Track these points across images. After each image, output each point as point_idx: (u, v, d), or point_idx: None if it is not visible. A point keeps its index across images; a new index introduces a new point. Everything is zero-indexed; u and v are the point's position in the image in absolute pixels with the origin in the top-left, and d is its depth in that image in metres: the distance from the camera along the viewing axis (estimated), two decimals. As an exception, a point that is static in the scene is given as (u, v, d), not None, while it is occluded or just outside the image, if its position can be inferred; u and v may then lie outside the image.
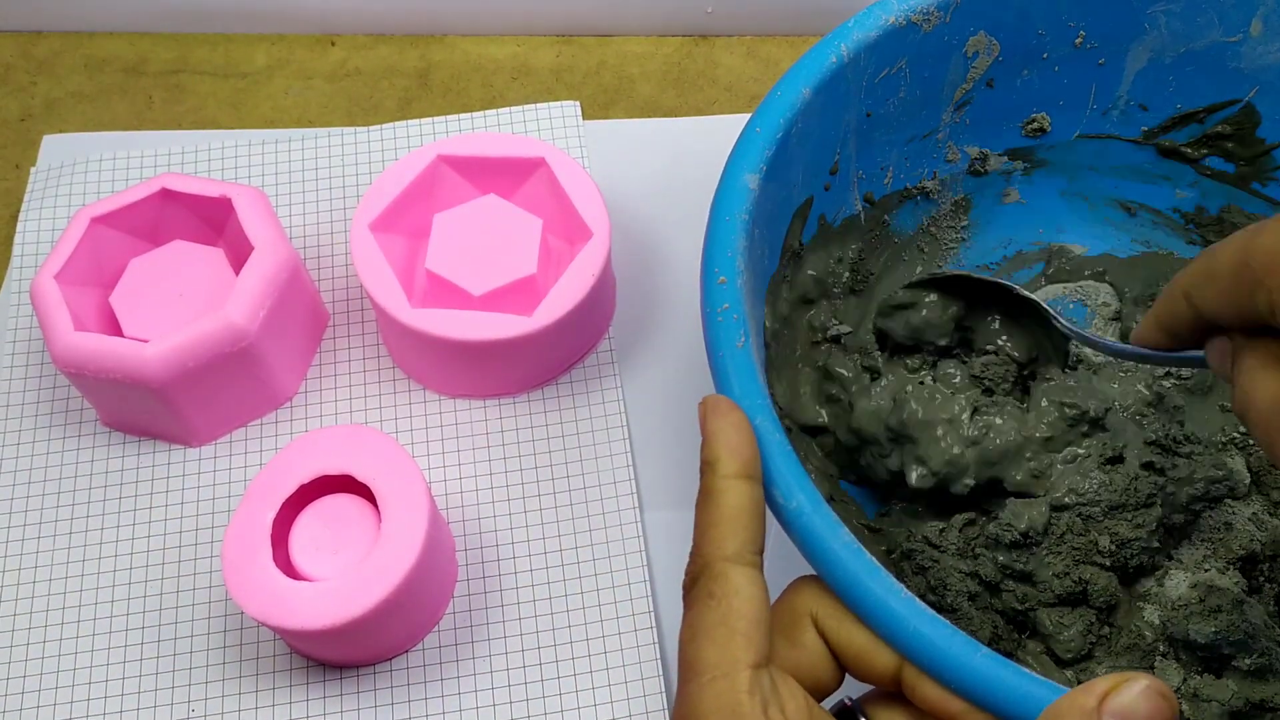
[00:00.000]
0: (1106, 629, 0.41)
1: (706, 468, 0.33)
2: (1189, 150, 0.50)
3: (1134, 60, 0.47)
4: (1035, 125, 0.49)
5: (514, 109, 0.58)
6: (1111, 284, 0.51)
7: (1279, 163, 0.48)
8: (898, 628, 0.31)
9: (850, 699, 0.34)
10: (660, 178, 0.56)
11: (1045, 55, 0.47)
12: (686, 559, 0.33)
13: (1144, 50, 0.47)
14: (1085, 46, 0.47)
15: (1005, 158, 0.50)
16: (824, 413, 0.45)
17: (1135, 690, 0.27)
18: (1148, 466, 0.42)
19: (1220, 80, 0.47)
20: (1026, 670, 0.30)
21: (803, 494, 0.33)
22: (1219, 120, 0.49)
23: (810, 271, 0.46)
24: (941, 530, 0.42)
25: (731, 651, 0.30)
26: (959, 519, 0.42)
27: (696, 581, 0.32)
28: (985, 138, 0.49)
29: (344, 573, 0.41)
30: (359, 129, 0.57)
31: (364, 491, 0.43)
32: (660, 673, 0.44)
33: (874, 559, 0.32)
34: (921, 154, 0.49)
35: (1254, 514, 0.43)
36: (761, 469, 0.33)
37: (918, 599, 0.31)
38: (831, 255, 0.47)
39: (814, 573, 0.33)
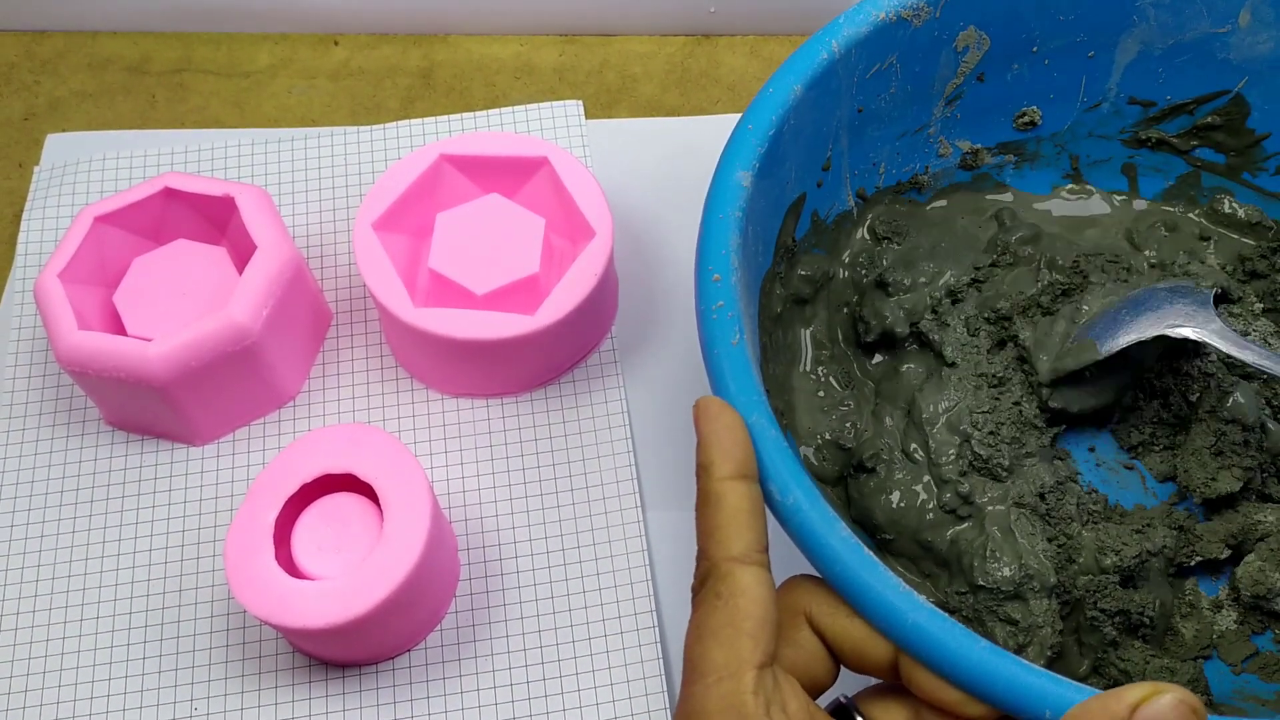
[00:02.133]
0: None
1: (702, 471, 0.33)
2: (1179, 142, 0.50)
3: (1123, 52, 0.47)
4: (1026, 119, 0.50)
5: (517, 108, 0.58)
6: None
7: (1269, 153, 0.49)
8: (896, 621, 0.31)
9: (845, 697, 0.34)
10: (663, 177, 0.56)
11: (1035, 49, 0.47)
12: (689, 559, 0.33)
13: (1133, 42, 0.47)
14: (1075, 39, 0.47)
15: (996, 151, 0.50)
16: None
17: (1166, 702, 0.27)
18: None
19: (1209, 71, 0.47)
20: (1026, 662, 0.30)
21: (799, 489, 0.33)
22: (1209, 111, 0.49)
23: (802, 271, 0.47)
24: None
25: (738, 652, 0.30)
26: None
27: (704, 583, 0.32)
28: (976, 132, 0.50)
29: (346, 572, 0.41)
30: (362, 128, 0.57)
31: (366, 491, 0.43)
32: (662, 672, 0.44)
33: (871, 553, 0.32)
34: (913, 149, 0.49)
35: None
36: (757, 467, 0.33)
37: (915, 592, 0.32)
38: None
39: (809, 567, 0.33)
